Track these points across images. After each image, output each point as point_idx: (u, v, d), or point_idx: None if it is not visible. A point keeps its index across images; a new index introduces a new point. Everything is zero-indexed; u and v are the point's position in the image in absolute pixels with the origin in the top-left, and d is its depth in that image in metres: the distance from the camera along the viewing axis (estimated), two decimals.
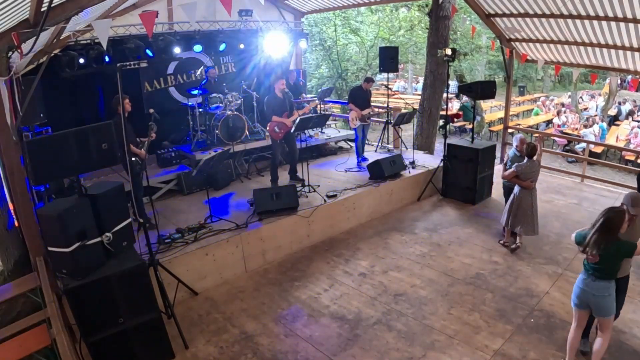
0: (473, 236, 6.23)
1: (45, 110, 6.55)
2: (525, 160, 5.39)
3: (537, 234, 5.68)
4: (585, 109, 18.22)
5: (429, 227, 6.58)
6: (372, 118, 9.79)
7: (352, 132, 8.86)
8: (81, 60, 6.29)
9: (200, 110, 7.92)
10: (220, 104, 7.86)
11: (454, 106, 16.99)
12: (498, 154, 8.60)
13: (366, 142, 9.93)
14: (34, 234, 4.19)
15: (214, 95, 7.91)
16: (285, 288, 5.12)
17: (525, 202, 5.47)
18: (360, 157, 8.33)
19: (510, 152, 5.88)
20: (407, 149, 9.15)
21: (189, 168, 7.26)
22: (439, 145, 10.86)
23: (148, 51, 7.00)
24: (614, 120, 16.07)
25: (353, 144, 9.09)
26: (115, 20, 6.77)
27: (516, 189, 5.54)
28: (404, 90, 25.09)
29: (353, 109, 7.91)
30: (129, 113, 5.22)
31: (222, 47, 8.09)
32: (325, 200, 6.31)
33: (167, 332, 3.99)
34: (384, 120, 9.58)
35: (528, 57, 8.59)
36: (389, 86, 9.23)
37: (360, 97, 7.96)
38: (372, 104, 8.42)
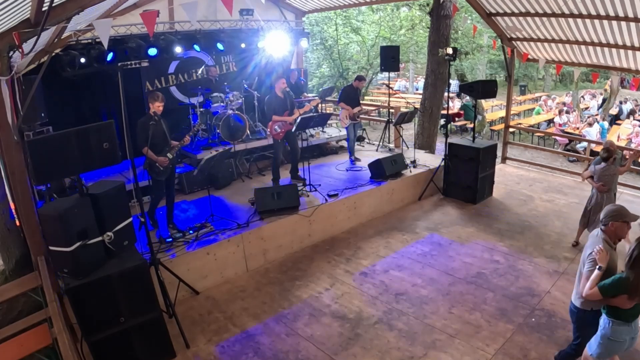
0: (474, 235, 6.22)
1: (47, 109, 6.55)
2: (602, 164, 5.36)
3: None
4: (587, 108, 18.19)
5: (430, 226, 6.57)
6: (373, 117, 9.77)
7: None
8: (82, 60, 6.28)
9: (202, 109, 7.93)
10: (222, 103, 7.86)
11: (455, 105, 16.97)
12: (499, 153, 8.59)
13: (367, 141, 9.99)
14: (35, 234, 4.20)
15: (215, 94, 7.91)
16: (286, 287, 5.12)
17: (598, 205, 5.38)
18: (353, 156, 8.40)
19: (598, 157, 5.69)
20: (408, 148, 9.14)
21: (190, 167, 7.26)
22: (440, 145, 10.86)
23: (149, 50, 6.99)
24: (615, 120, 16.04)
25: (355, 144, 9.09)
26: (116, 19, 6.76)
27: (593, 192, 5.52)
28: (405, 89, 25.06)
29: (344, 108, 8.00)
30: (161, 114, 5.17)
31: (222, 46, 8.10)
32: (326, 200, 6.31)
33: (168, 332, 3.99)
34: (385, 119, 9.58)
35: (529, 57, 8.57)
36: (390, 85, 9.22)
37: (351, 96, 8.08)
38: (374, 103, 8.45)
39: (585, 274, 3.10)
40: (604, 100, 18.16)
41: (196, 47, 7.73)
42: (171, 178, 5.51)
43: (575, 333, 3.43)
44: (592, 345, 3.15)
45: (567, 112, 15.67)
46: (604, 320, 3.07)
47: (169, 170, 5.32)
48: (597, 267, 3.00)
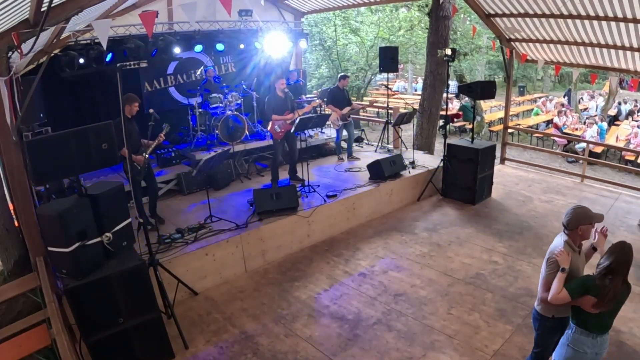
0: (473, 236, 6.23)
1: (45, 110, 6.55)
2: None
3: None
4: (585, 109, 18.23)
5: (428, 227, 6.58)
6: (372, 119, 9.74)
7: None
8: (81, 61, 6.28)
9: (200, 110, 7.93)
10: (221, 104, 7.86)
11: (454, 106, 17.00)
12: (498, 153, 8.60)
13: (366, 142, 10.01)
14: (34, 234, 4.19)
15: (214, 95, 7.92)
16: (285, 288, 5.12)
17: None
18: (342, 156, 8.47)
19: None
20: (407, 149, 9.15)
21: (189, 168, 7.26)
22: (439, 145, 10.86)
23: (148, 51, 6.99)
24: (613, 120, 16.08)
25: (354, 144, 9.09)
26: (115, 20, 6.76)
27: None
28: (404, 90, 25.09)
29: (333, 110, 8.03)
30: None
31: (221, 47, 8.10)
32: (325, 200, 6.31)
33: (167, 332, 3.99)
34: (384, 120, 9.60)
35: (528, 57, 8.59)
36: (389, 86, 9.23)
37: (339, 96, 8.14)
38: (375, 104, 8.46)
39: (547, 278, 3.00)
40: (567, 94, 19.09)
41: (195, 47, 7.74)
42: (150, 175, 5.67)
43: (536, 341, 3.31)
44: (557, 352, 3.07)
45: (566, 113, 15.71)
46: (570, 326, 2.98)
47: (146, 170, 5.48)
48: (560, 269, 2.89)
